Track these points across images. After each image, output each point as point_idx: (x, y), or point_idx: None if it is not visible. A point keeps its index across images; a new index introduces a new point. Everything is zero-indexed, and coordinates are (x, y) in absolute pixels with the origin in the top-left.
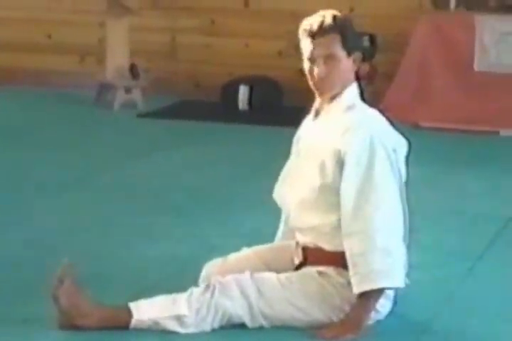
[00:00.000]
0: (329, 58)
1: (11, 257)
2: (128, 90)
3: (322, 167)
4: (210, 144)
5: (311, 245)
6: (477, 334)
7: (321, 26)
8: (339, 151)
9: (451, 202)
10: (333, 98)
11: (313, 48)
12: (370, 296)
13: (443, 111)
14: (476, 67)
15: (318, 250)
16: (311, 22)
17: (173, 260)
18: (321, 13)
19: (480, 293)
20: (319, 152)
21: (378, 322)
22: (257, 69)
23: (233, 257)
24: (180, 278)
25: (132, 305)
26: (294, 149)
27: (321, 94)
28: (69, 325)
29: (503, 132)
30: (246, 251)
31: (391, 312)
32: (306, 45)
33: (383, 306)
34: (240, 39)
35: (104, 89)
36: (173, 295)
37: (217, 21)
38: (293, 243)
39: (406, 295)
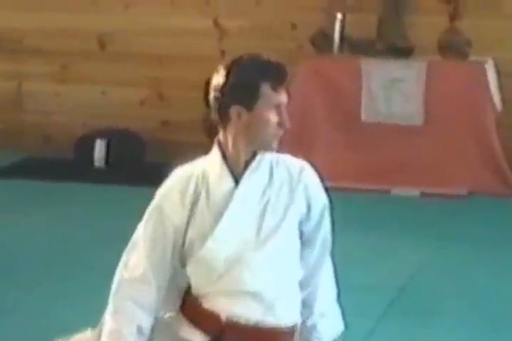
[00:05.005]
0: (286, 106)
1: None
2: None
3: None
4: (61, 206)
5: (248, 321)
6: None
7: (285, 72)
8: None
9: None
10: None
11: (282, 95)
12: None
13: (327, 167)
14: (363, 117)
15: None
16: (270, 64)
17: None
18: (260, 53)
19: None
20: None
21: None
22: (116, 121)
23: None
24: None
25: None
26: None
27: (274, 148)
28: None
29: (395, 191)
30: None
31: None
32: (270, 91)
33: None
34: (96, 86)
35: None
36: None
37: (68, 66)
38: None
39: None
